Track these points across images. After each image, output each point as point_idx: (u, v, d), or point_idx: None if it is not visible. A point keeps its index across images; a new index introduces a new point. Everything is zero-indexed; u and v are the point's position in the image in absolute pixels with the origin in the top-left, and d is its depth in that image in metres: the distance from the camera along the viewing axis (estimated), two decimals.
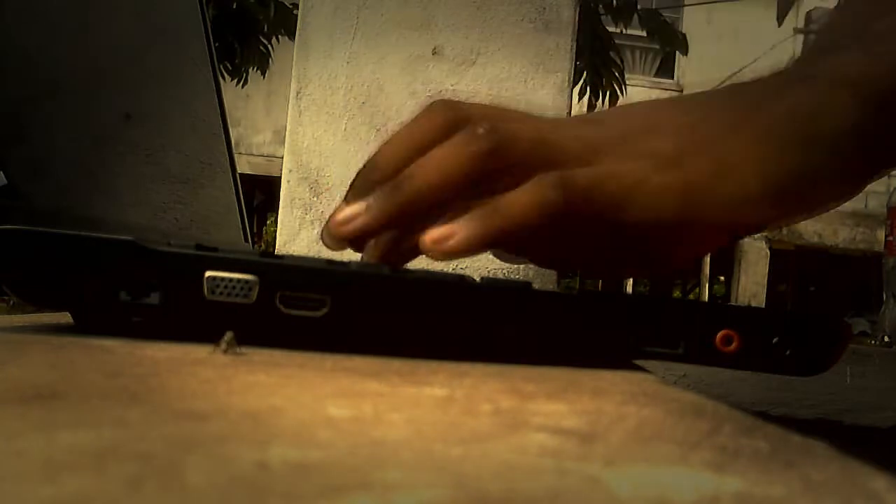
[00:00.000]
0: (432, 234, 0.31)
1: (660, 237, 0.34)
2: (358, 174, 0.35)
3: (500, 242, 0.33)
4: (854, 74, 0.33)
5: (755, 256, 6.92)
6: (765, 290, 6.91)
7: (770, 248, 6.92)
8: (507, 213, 0.32)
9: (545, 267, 0.42)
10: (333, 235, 0.33)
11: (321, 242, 0.34)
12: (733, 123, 0.34)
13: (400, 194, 0.33)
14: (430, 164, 0.33)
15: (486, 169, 0.33)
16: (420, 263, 0.35)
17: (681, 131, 0.34)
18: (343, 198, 0.35)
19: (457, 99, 0.36)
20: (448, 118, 0.34)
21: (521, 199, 0.32)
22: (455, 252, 0.31)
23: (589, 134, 0.35)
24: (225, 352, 0.25)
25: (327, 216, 0.34)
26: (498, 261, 0.42)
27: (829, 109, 0.33)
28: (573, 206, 0.32)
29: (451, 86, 1.25)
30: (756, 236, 6.86)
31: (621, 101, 4.22)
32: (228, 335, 0.25)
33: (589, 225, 0.33)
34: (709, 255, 6.97)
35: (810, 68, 0.35)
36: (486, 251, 0.33)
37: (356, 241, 0.34)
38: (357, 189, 0.34)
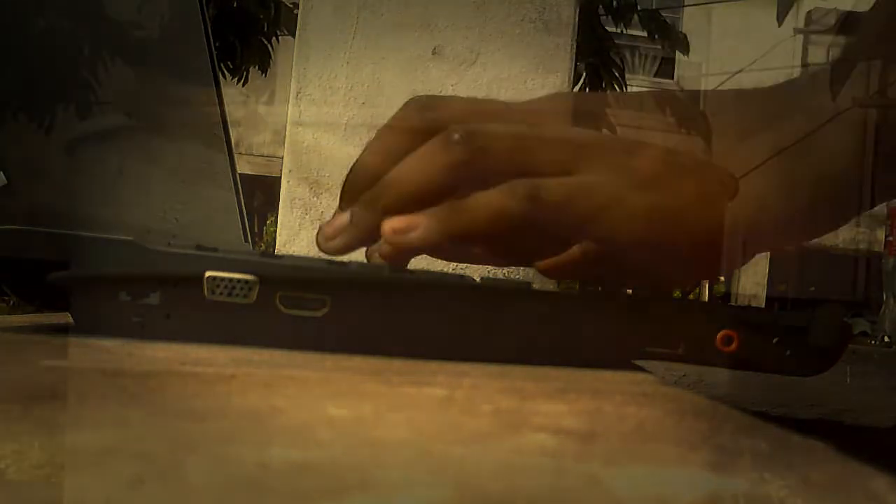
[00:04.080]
0: (393, 224, 0.31)
1: (639, 259, 0.33)
2: (344, 182, 0.35)
3: (458, 243, 0.32)
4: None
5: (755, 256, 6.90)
6: (765, 290, 6.89)
7: None
8: (470, 215, 0.31)
9: (504, 265, 0.41)
10: (325, 250, 0.33)
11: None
12: (719, 151, 0.33)
13: (377, 207, 0.32)
14: (402, 175, 0.32)
15: (459, 178, 0.32)
16: (421, 263, 0.35)
17: (667, 148, 0.33)
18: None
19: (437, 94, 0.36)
20: (423, 119, 0.33)
21: (486, 204, 0.31)
22: (412, 246, 0.31)
23: (572, 138, 0.33)
24: None
25: (327, 216, 0.34)
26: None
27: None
28: (539, 218, 0.31)
29: (452, 85, 1.25)
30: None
31: None
32: None
33: (558, 234, 0.33)
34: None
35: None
36: (444, 248, 0.33)
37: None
38: (344, 197, 0.34)
